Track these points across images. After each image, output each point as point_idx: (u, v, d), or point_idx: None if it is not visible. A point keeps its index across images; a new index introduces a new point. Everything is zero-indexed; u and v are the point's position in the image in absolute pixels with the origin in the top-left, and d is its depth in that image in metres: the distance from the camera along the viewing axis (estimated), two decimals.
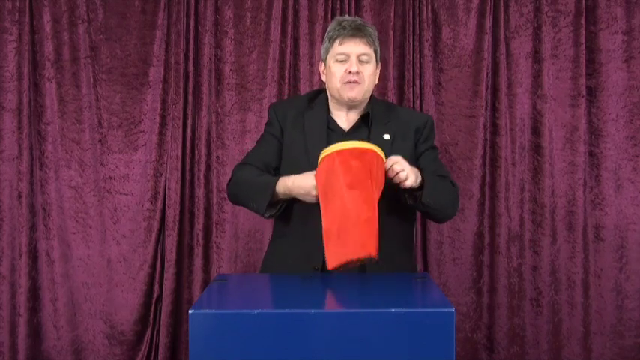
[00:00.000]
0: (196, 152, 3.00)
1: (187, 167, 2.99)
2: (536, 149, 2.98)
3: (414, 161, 1.95)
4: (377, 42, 1.99)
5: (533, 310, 2.97)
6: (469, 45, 2.99)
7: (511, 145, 2.99)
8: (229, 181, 2.08)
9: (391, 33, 2.97)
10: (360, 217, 1.63)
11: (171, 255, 2.97)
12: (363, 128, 1.98)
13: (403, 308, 1.37)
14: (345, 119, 2.01)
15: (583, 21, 2.95)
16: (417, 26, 2.99)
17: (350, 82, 1.93)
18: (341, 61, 1.94)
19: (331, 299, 1.53)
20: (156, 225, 3.00)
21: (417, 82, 2.98)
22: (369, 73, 1.96)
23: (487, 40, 2.97)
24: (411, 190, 1.83)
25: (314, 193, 1.78)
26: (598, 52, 2.97)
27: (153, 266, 3.00)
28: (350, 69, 1.92)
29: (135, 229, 3.00)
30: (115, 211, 3.00)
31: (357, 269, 1.83)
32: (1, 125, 2.97)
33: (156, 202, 3.00)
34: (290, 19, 2.98)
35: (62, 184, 2.99)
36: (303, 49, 2.98)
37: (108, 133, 3.00)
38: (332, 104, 2.03)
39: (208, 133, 2.99)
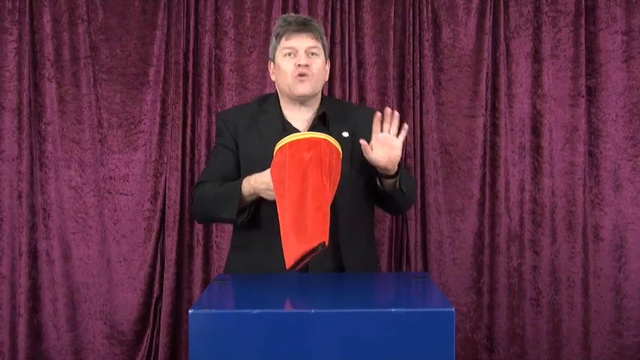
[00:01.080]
0: (196, 152, 3.00)
1: (187, 167, 2.99)
2: (536, 149, 2.98)
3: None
4: (324, 37, 1.97)
5: (533, 310, 2.98)
6: (469, 45, 2.99)
7: (511, 145, 2.99)
8: (191, 201, 2.03)
9: (391, 33, 2.97)
10: (309, 206, 1.59)
11: (171, 255, 2.97)
12: (320, 127, 1.93)
13: (403, 308, 1.37)
14: (299, 120, 1.97)
15: (583, 21, 2.95)
16: (417, 26, 2.99)
17: (300, 76, 1.90)
18: (289, 54, 1.91)
19: (331, 299, 1.53)
20: (156, 225, 3.00)
21: (417, 82, 2.99)
22: (319, 67, 1.93)
23: (487, 40, 2.97)
24: (386, 175, 1.84)
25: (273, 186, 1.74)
26: (598, 52, 2.97)
27: (153, 266, 3.00)
28: (299, 62, 1.89)
29: (135, 229, 3.00)
30: (115, 211, 3.00)
31: (335, 269, 1.84)
32: (1, 125, 2.97)
33: (156, 202, 3.00)
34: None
35: (62, 184, 2.99)
36: None
37: (108, 133, 3.00)
38: (284, 105, 1.99)
39: (208, 133, 2.99)
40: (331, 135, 1.82)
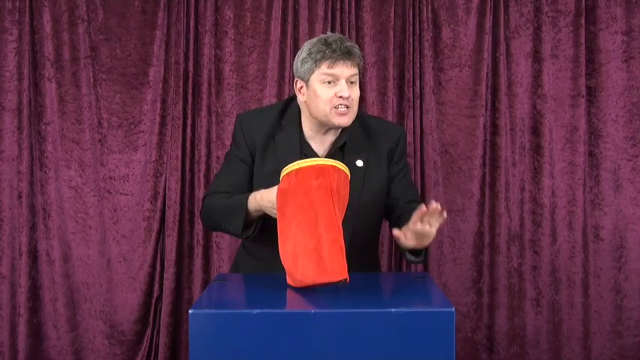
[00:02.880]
0: (196, 152, 3.00)
1: (187, 167, 2.99)
2: (536, 149, 2.98)
3: (385, 184, 1.93)
4: (362, 63, 1.88)
5: (533, 310, 2.97)
6: (469, 45, 2.99)
7: (511, 145, 2.99)
8: (201, 209, 2.01)
9: (391, 33, 2.97)
10: (324, 238, 1.54)
11: (171, 255, 2.97)
12: (338, 154, 1.88)
13: (403, 308, 1.37)
14: (320, 142, 1.91)
15: (583, 21, 2.95)
16: (417, 26, 2.98)
17: (340, 108, 1.81)
18: (328, 82, 1.82)
19: (331, 299, 1.53)
20: (156, 225, 3.00)
21: (417, 82, 2.98)
22: (357, 96, 1.86)
23: (487, 40, 2.97)
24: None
25: None
26: (598, 52, 2.97)
27: (153, 266, 3.00)
28: (341, 94, 1.80)
29: (135, 229, 3.00)
30: (115, 211, 3.00)
31: None
32: (1, 125, 2.97)
33: (156, 202, 3.00)
34: (290, 19, 2.98)
35: (62, 184, 2.99)
36: None
37: (108, 133, 3.00)
38: (307, 124, 1.91)
39: (208, 133, 2.99)
40: (345, 163, 1.77)
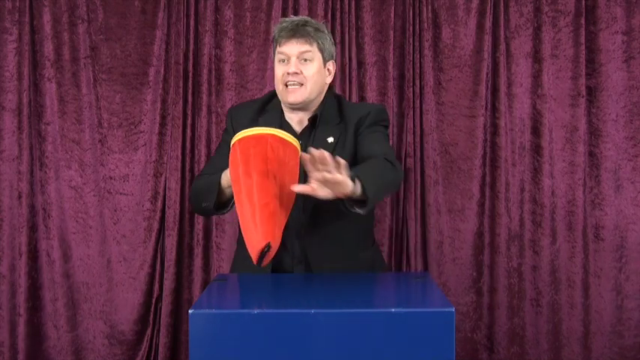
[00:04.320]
0: (196, 152, 3.00)
1: (187, 167, 2.99)
2: (536, 149, 2.98)
3: (354, 155, 1.86)
4: (322, 39, 1.90)
5: (533, 310, 2.97)
6: (469, 45, 2.99)
7: (511, 145, 2.99)
8: (190, 191, 2.03)
9: (391, 33, 2.97)
10: (255, 204, 1.56)
11: (171, 255, 2.97)
12: (311, 130, 1.92)
13: (403, 308, 1.37)
14: (297, 121, 1.94)
15: (583, 21, 2.95)
16: (417, 26, 2.98)
17: (289, 85, 1.86)
18: (282, 61, 1.89)
19: (331, 299, 1.53)
20: (156, 225, 3.00)
21: (417, 82, 2.98)
22: (312, 73, 1.88)
23: (487, 40, 2.97)
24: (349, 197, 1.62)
25: None
26: (598, 52, 2.97)
27: (153, 266, 3.00)
28: (288, 70, 1.86)
29: (135, 229, 3.00)
30: (115, 211, 3.00)
31: (304, 270, 1.83)
32: (1, 125, 2.97)
33: (156, 202, 3.00)
34: None
35: (62, 184, 2.99)
36: None
37: (108, 133, 3.00)
38: (284, 106, 1.96)
39: (208, 133, 2.99)
40: (316, 140, 1.80)
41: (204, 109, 2.99)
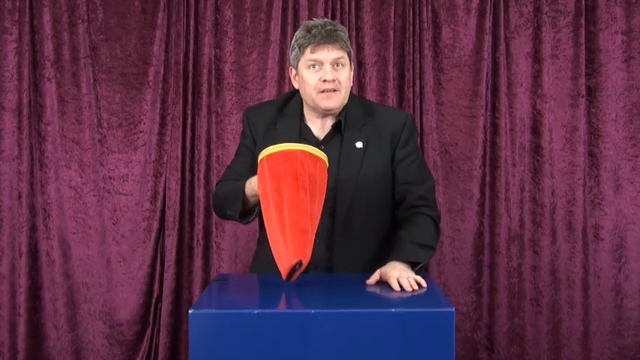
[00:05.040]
0: (196, 152, 3.00)
1: (187, 167, 2.99)
2: (536, 149, 2.98)
3: (389, 169, 1.90)
4: (349, 43, 1.89)
5: (533, 310, 2.97)
6: (469, 45, 2.99)
7: (511, 145, 2.99)
8: (213, 198, 2.03)
9: (391, 33, 2.97)
10: (286, 221, 1.56)
11: (171, 255, 2.97)
12: (337, 136, 1.90)
13: (403, 308, 1.37)
14: (320, 127, 1.93)
15: (583, 21, 2.95)
16: (417, 26, 2.99)
17: (326, 91, 1.84)
18: (313, 66, 1.84)
19: (331, 299, 1.53)
20: (156, 225, 3.00)
21: (417, 82, 2.98)
22: (346, 78, 1.87)
23: (487, 40, 2.97)
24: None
25: None
26: (598, 52, 2.97)
27: (153, 266, 3.00)
28: (325, 77, 1.83)
29: (134, 229, 3.00)
30: (115, 211, 3.00)
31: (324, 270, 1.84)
32: (1, 125, 2.97)
33: (156, 202, 3.00)
34: (290, 19, 2.98)
35: (62, 184, 2.99)
36: None
37: (108, 133, 3.00)
38: (306, 111, 1.94)
39: (208, 133, 2.99)
40: (345, 145, 1.81)
41: (204, 109, 2.99)
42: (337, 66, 1.85)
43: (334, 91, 1.85)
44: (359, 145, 1.89)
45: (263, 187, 1.64)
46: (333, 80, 1.83)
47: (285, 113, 1.96)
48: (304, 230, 1.56)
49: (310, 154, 1.63)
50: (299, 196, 1.58)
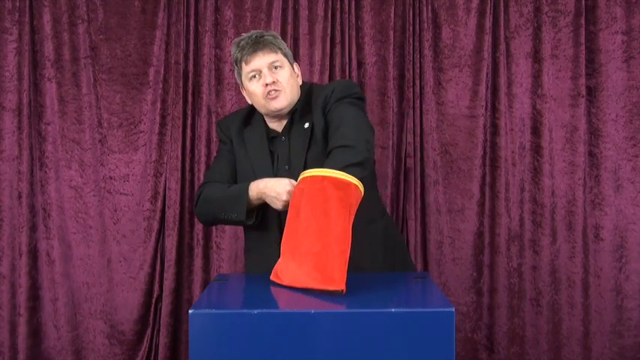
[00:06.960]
0: (196, 152, 3.00)
1: (187, 167, 2.99)
2: (536, 149, 2.98)
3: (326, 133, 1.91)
4: (281, 45, 1.97)
5: (533, 310, 2.97)
6: (469, 45, 2.99)
7: (511, 145, 2.99)
8: (196, 202, 2.03)
9: (391, 33, 2.97)
10: (333, 248, 1.57)
11: (171, 255, 2.97)
12: (289, 124, 1.99)
13: (403, 308, 1.37)
14: (281, 125, 2.02)
15: (583, 21, 2.95)
16: (417, 26, 2.99)
17: (271, 94, 1.92)
18: (254, 77, 1.95)
19: (331, 299, 1.53)
20: (156, 225, 3.00)
21: (417, 82, 2.98)
22: (286, 78, 1.95)
23: (487, 40, 2.97)
24: None
25: (284, 197, 1.77)
26: (598, 52, 2.97)
27: (153, 266, 3.00)
28: (265, 81, 1.92)
29: (135, 229, 3.01)
30: (115, 211, 3.01)
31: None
32: (1, 125, 2.97)
33: (156, 202, 3.00)
34: (290, 19, 2.98)
35: (62, 184, 2.99)
36: (303, 49, 2.99)
37: (108, 133, 3.01)
38: (267, 118, 2.03)
39: (208, 133, 2.99)
40: (294, 130, 1.92)
41: (204, 109, 2.99)
42: (275, 69, 1.94)
43: (278, 91, 1.93)
44: (306, 125, 1.96)
45: (300, 201, 1.64)
46: (274, 82, 1.92)
47: (250, 122, 2.06)
48: (347, 262, 1.58)
49: (357, 187, 1.67)
50: (349, 228, 1.61)
